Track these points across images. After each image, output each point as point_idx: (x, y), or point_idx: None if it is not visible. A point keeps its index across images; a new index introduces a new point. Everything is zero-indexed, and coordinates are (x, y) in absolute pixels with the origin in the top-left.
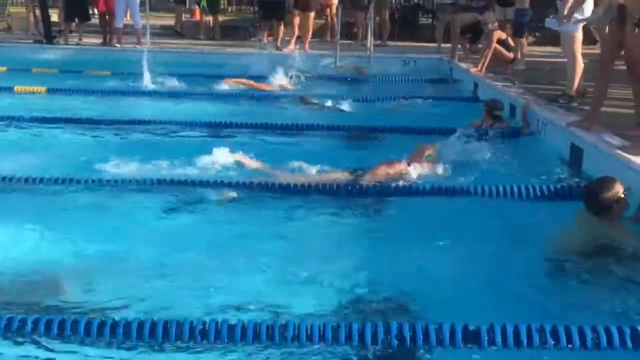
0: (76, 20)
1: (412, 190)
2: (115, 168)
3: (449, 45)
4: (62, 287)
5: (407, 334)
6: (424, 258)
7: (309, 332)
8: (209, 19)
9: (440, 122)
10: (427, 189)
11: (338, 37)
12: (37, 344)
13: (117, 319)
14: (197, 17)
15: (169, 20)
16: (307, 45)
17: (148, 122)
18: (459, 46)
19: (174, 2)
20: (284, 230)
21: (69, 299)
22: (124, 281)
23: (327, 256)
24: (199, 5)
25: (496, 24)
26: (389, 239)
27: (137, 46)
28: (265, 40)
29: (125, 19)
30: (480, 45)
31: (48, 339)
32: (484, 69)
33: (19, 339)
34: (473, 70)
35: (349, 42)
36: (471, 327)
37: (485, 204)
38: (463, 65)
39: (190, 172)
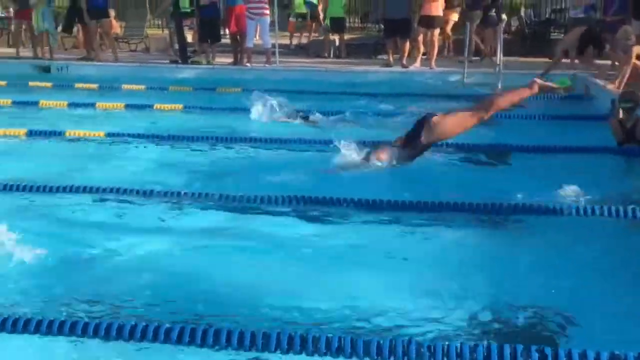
0: (209, 41)
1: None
2: (249, 183)
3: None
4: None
5: None
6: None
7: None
8: (335, 37)
9: (578, 140)
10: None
11: (466, 53)
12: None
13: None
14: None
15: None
16: (433, 63)
17: (278, 140)
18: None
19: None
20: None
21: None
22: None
23: (469, 274)
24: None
25: (633, 38)
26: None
27: (267, 65)
28: (391, 59)
29: (254, 38)
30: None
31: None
32: (621, 86)
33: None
34: (610, 87)
35: (476, 58)
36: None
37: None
38: (599, 81)
39: (323, 186)
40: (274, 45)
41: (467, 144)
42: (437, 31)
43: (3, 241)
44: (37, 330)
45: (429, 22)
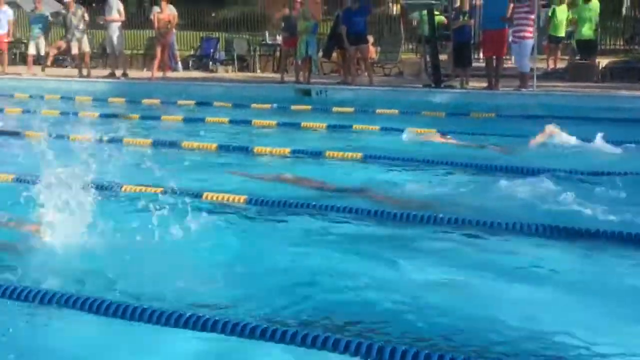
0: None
1: None
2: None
3: None
4: None
5: None
6: None
7: None
8: (599, 60)
9: None
10: None
11: None
12: None
13: None
14: None
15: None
16: None
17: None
18: None
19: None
20: None
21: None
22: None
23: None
24: None
25: None
26: None
27: (523, 89)
28: None
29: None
30: None
31: None
32: None
33: None
34: None
35: None
36: None
37: None
38: None
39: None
40: (531, 70)
41: None
42: None
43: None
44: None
45: None
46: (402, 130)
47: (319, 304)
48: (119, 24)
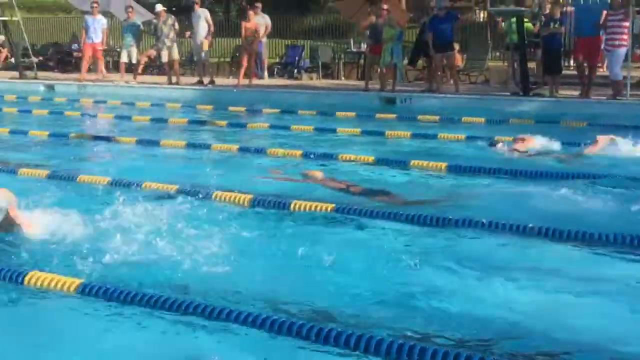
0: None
1: None
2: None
3: None
4: None
5: None
6: None
7: None
8: None
9: None
10: None
11: None
12: None
13: None
14: None
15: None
16: None
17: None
18: None
19: None
20: None
21: None
22: None
23: None
24: None
25: None
26: None
27: (616, 98)
28: None
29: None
30: None
31: None
32: None
33: None
34: None
35: None
36: None
37: None
38: None
39: None
40: (624, 78)
41: None
42: None
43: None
44: None
45: None
46: (488, 139)
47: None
48: (206, 32)
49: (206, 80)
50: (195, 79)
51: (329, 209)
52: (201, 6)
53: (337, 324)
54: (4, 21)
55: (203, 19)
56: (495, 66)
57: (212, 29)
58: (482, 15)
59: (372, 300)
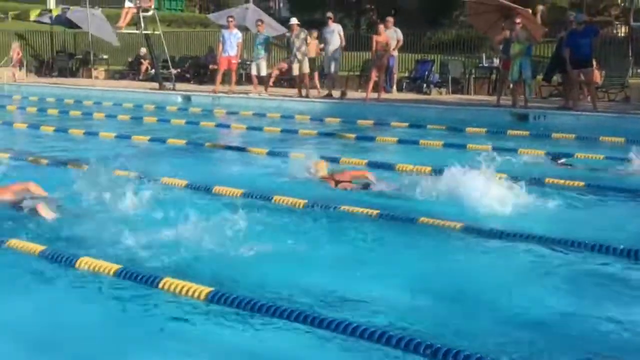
0: None
1: None
2: None
3: None
4: None
5: None
6: None
7: None
8: None
9: None
10: None
11: None
12: None
13: None
14: None
15: None
16: None
17: None
18: None
19: None
20: None
21: None
22: None
23: None
24: None
25: None
26: None
27: None
28: None
29: None
30: None
31: None
32: None
33: None
34: None
35: None
36: None
37: None
38: None
39: None
40: None
41: None
42: None
43: None
44: None
45: None
46: (628, 160)
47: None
48: (338, 46)
49: (336, 93)
50: (325, 92)
51: (457, 227)
52: (334, 21)
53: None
54: (146, 34)
55: (336, 34)
56: (636, 83)
57: (343, 43)
58: (622, 29)
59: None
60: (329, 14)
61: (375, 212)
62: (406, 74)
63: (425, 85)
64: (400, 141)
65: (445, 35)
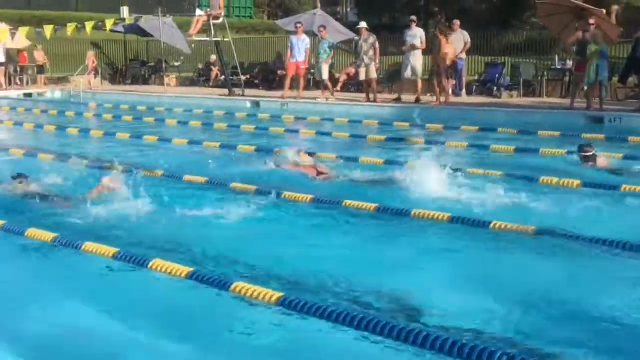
0: None
1: None
2: None
3: None
4: None
5: None
6: None
7: None
8: None
9: None
10: None
11: None
12: None
13: None
14: None
15: None
16: None
17: None
18: None
19: None
20: None
21: None
22: None
23: None
24: None
25: None
26: None
27: None
28: None
29: None
30: None
31: None
32: None
33: None
34: None
35: None
36: None
37: None
38: None
39: None
40: None
41: None
42: None
43: None
44: None
45: None
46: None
47: None
48: (421, 51)
49: (409, 97)
50: (394, 96)
51: (529, 230)
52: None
53: None
54: (216, 42)
55: (418, 38)
56: None
57: (423, 46)
58: None
59: None
60: (413, 17)
61: (447, 215)
62: (476, 77)
63: (495, 88)
64: (470, 146)
65: (515, 37)
